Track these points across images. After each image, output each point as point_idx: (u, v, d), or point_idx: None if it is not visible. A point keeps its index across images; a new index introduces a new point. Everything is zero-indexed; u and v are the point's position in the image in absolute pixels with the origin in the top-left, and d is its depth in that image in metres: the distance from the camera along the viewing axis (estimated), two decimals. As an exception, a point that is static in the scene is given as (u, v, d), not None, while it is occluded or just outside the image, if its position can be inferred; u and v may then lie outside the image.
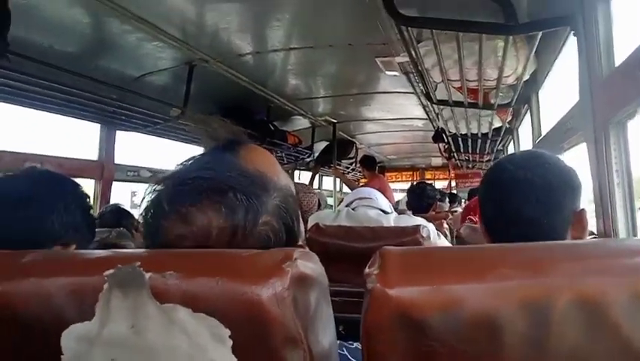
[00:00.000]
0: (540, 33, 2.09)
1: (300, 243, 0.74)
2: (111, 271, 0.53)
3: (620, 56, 1.60)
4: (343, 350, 0.87)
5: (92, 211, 1.21)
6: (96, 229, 1.29)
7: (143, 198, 0.69)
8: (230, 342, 0.51)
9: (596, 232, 1.69)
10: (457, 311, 0.50)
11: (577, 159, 2.05)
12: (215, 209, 0.63)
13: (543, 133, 3.16)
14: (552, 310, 0.49)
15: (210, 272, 0.52)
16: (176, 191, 0.65)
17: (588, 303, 0.49)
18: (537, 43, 2.20)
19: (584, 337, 0.49)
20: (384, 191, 4.38)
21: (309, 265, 0.55)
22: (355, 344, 0.91)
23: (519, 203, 0.97)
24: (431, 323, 0.50)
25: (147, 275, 0.52)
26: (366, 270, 0.55)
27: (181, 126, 3.29)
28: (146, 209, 0.67)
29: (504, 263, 0.53)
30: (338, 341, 0.87)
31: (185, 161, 0.72)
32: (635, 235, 1.51)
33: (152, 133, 3.52)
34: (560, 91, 2.75)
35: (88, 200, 1.20)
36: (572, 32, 1.92)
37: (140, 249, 0.64)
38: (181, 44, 2.56)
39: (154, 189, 0.67)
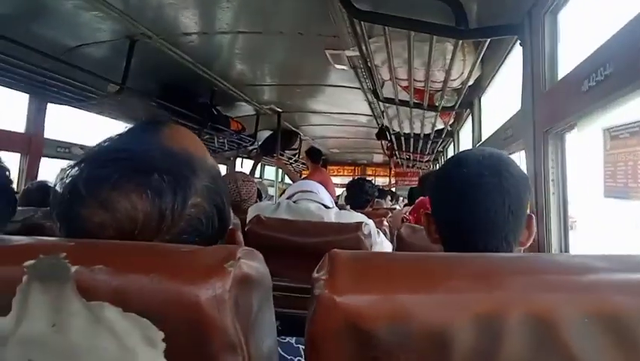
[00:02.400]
0: (488, 40, 2.13)
1: (231, 227, 0.70)
2: (32, 261, 0.47)
3: (563, 70, 1.65)
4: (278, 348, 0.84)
5: (10, 185, 1.10)
6: (19, 208, 1.18)
7: (55, 184, 0.61)
8: (164, 346, 0.46)
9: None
10: (406, 323, 0.48)
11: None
12: (140, 192, 0.57)
13: (483, 138, 3.25)
14: (503, 325, 0.48)
15: (145, 268, 0.47)
16: (93, 175, 0.59)
17: (539, 319, 0.48)
18: (484, 50, 2.25)
19: (533, 353, 0.48)
20: (327, 185, 4.38)
21: (253, 265, 0.51)
22: (287, 339, 0.88)
23: (486, 208, 0.94)
24: (379, 334, 0.48)
25: (73, 268, 0.47)
26: (315, 274, 0.52)
27: (119, 103, 3.13)
28: (61, 195, 0.60)
29: (456, 274, 0.52)
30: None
31: (103, 141, 0.65)
32: (566, 242, 1.58)
33: (86, 108, 3.34)
34: (502, 98, 2.84)
35: (6, 172, 1.09)
36: (519, 42, 1.98)
37: (67, 239, 0.57)
38: (122, 16, 2.41)
39: (67, 174, 0.60)
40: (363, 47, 2.50)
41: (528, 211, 0.99)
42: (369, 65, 2.73)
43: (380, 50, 2.52)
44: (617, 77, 1.17)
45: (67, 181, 0.60)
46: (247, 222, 1.79)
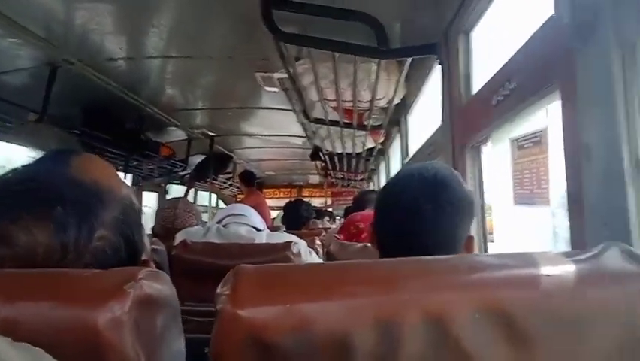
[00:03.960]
0: (409, 59, 2.22)
1: (144, 258, 0.68)
2: None
3: (477, 86, 1.74)
4: None
5: None
6: None
7: None
8: (60, 375, 0.44)
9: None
10: (307, 332, 0.49)
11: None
12: (41, 226, 0.55)
13: (410, 154, 3.35)
14: (400, 327, 0.49)
15: (37, 295, 0.46)
16: None
17: (434, 319, 0.50)
18: (406, 70, 2.34)
19: (430, 352, 0.50)
20: (261, 207, 4.36)
21: (156, 285, 0.50)
22: None
23: (421, 234, 0.95)
24: (282, 345, 0.48)
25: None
26: (218, 290, 0.52)
27: (39, 132, 2.98)
28: None
29: (355, 280, 0.53)
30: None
31: (5, 173, 0.62)
32: (485, 251, 1.64)
33: (4, 139, 3.16)
34: (426, 116, 2.95)
35: None
36: (438, 61, 2.07)
37: None
38: (44, 43, 2.32)
39: None
40: (291, 70, 2.53)
41: (469, 233, 1.00)
42: (297, 86, 2.76)
43: (308, 72, 2.57)
44: (520, 90, 1.25)
45: None
46: (173, 247, 1.75)
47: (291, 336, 0.48)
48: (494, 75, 1.47)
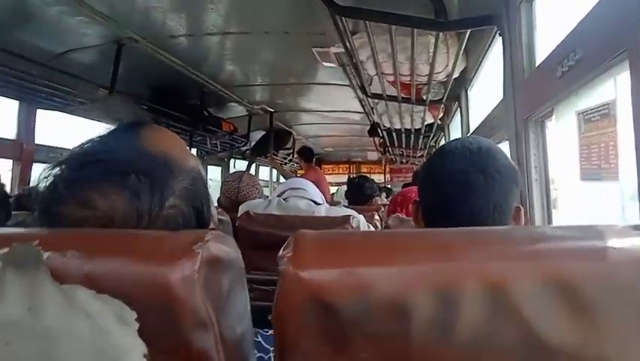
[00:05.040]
0: (468, 31, 2.16)
1: (211, 227, 0.71)
2: (5, 249, 0.49)
3: (541, 57, 1.67)
4: (258, 337, 0.86)
5: (3, 190, 1.12)
6: (13, 212, 1.20)
7: (37, 183, 0.63)
8: (137, 325, 0.48)
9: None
10: (366, 295, 0.50)
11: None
12: (117, 193, 0.59)
13: (471, 130, 3.27)
14: (459, 295, 0.50)
15: (116, 252, 0.50)
16: (74, 176, 0.61)
17: (493, 288, 0.50)
18: (466, 42, 2.28)
19: (487, 321, 0.50)
20: (320, 183, 4.39)
21: (223, 247, 0.53)
22: (270, 331, 0.89)
23: (470, 203, 0.94)
24: (342, 307, 0.50)
25: (45, 254, 0.49)
26: (280, 253, 0.54)
27: (109, 107, 3.14)
28: (42, 195, 0.62)
29: (415, 248, 0.54)
30: (253, 328, 0.86)
31: (83, 143, 0.67)
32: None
33: (76, 113, 3.34)
34: (488, 89, 2.86)
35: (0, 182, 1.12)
36: (498, 32, 2.00)
37: (42, 228, 0.59)
38: (108, 21, 2.42)
39: (49, 174, 0.62)
40: (347, 44, 2.52)
41: (517, 203, 0.99)
42: (354, 61, 2.75)
43: (364, 46, 2.55)
44: (586, 61, 1.19)
45: (49, 181, 0.62)
46: (237, 218, 1.81)
47: (351, 298, 0.50)
48: (558, 45, 1.41)
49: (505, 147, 2.24)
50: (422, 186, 1.08)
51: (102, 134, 0.70)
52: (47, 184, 0.62)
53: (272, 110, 4.90)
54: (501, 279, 0.51)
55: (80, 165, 0.61)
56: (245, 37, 2.86)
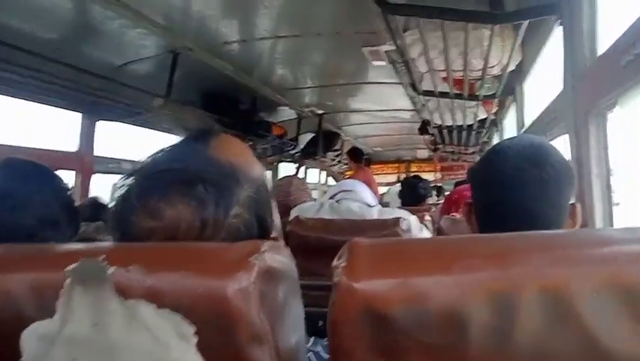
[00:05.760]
0: (526, 22, 2.08)
1: (273, 235, 0.72)
2: (73, 266, 0.50)
3: (603, 46, 1.59)
4: (317, 347, 0.85)
5: (73, 204, 1.17)
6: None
7: (112, 192, 0.66)
8: (195, 339, 0.49)
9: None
10: (423, 304, 0.49)
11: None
12: (184, 202, 0.61)
13: (526, 124, 3.17)
14: (517, 301, 0.48)
15: (174, 266, 0.51)
16: (144, 185, 0.64)
17: (553, 294, 0.48)
18: (523, 33, 2.20)
19: (548, 328, 0.48)
20: (370, 184, 4.37)
21: (278, 258, 0.53)
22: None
23: (525, 201, 0.94)
24: (397, 317, 0.49)
25: (110, 270, 0.50)
26: (334, 262, 0.53)
27: (164, 116, 3.23)
28: (115, 204, 0.65)
29: (471, 254, 0.52)
30: (312, 338, 0.85)
31: (155, 153, 0.69)
32: (611, 225, 1.52)
33: (134, 123, 3.46)
34: (545, 81, 2.76)
35: (69, 194, 1.16)
36: (558, 21, 1.92)
37: (107, 242, 0.61)
38: (165, 31, 2.51)
39: (123, 184, 0.65)
40: (398, 41, 2.49)
41: (573, 200, 0.97)
42: (405, 58, 2.71)
43: (416, 43, 2.51)
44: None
45: (122, 191, 0.65)
46: (288, 222, 1.82)
47: (406, 309, 0.49)
48: (623, 33, 1.33)
49: (560, 143, 2.16)
50: (475, 187, 1.07)
51: (172, 144, 0.73)
52: (120, 194, 0.65)
53: (321, 112, 4.91)
54: (562, 285, 0.48)
55: (150, 174, 0.64)
56: (296, 40, 2.89)
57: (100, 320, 0.50)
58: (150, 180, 0.63)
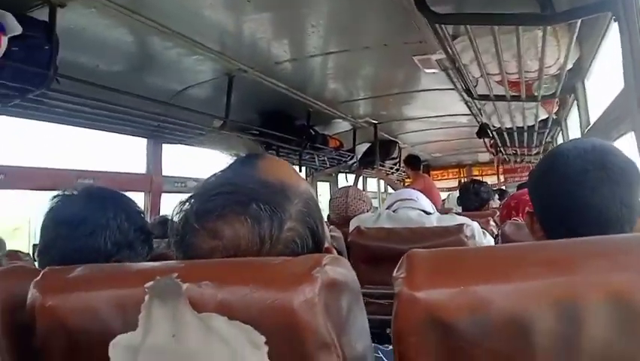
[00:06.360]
0: (579, 20, 2.02)
1: (326, 245, 0.75)
2: (151, 283, 0.56)
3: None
4: (378, 353, 0.87)
5: (146, 227, 1.25)
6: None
7: (171, 218, 0.72)
8: (266, 348, 0.52)
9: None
10: (485, 312, 0.50)
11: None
12: (241, 221, 0.65)
13: (591, 122, 3.05)
14: (582, 308, 0.48)
15: (243, 280, 0.54)
16: (201, 208, 0.68)
17: (618, 299, 0.48)
18: (577, 31, 2.13)
19: (616, 334, 0.48)
20: (429, 191, 4.32)
21: (339, 270, 0.56)
22: (390, 347, 0.90)
23: (595, 204, 0.90)
24: (460, 325, 0.50)
25: (184, 286, 0.55)
26: (394, 273, 0.56)
27: (224, 136, 3.35)
28: (176, 228, 0.70)
29: (530, 261, 0.53)
30: (373, 344, 0.88)
31: (208, 178, 0.74)
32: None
33: (196, 144, 3.60)
34: (608, 78, 2.65)
35: (141, 215, 1.25)
36: (613, 18, 1.85)
37: (179, 261, 0.67)
38: (220, 56, 2.63)
39: (181, 208, 0.71)
40: (449, 49, 2.47)
41: None
42: (457, 65, 2.69)
43: (467, 49, 2.48)
44: None
45: (181, 215, 0.70)
46: (349, 233, 1.85)
47: (468, 317, 0.50)
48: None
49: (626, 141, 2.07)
50: (536, 195, 1.04)
51: (224, 168, 0.78)
52: (180, 218, 0.70)
53: (376, 121, 4.91)
54: (624, 290, 0.48)
55: (207, 198, 0.69)
56: (345, 55, 2.93)
57: (178, 331, 0.54)
58: (207, 203, 0.68)
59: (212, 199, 0.68)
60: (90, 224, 1.09)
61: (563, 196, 0.94)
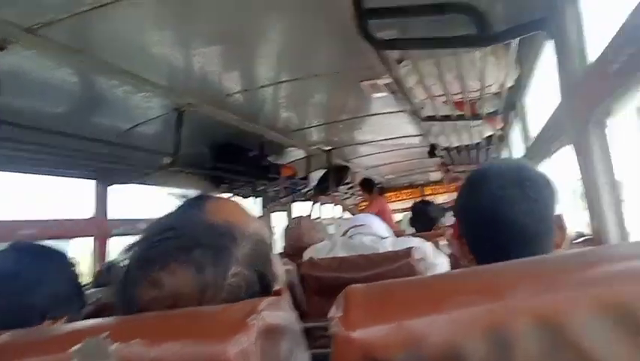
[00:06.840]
0: (517, 40, 2.11)
1: (276, 287, 0.73)
2: (77, 346, 0.52)
3: (593, 56, 1.62)
4: None
5: (79, 280, 1.21)
6: (92, 290, 1.27)
7: (115, 262, 0.70)
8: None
9: (590, 233, 1.68)
10: (419, 346, 0.49)
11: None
12: (183, 269, 0.63)
13: (532, 138, 3.18)
14: (512, 334, 0.48)
15: (175, 336, 0.52)
16: (143, 256, 0.66)
17: (547, 322, 0.48)
18: (515, 51, 2.23)
19: (546, 357, 0.48)
20: (384, 213, 4.34)
21: (278, 314, 0.55)
22: None
23: (513, 220, 0.95)
24: None
25: (113, 346, 0.51)
26: (330, 313, 0.54)
27: (175, 173, 3.29)
28: (118, 277, 0.68)
29: (461, 289, 0.53)
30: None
31: (152, 222, 0.72)
32: (624, 233, 1.49)
33: (145, 183, 3.52)
34: (545, 94, 2.78)
35: (75, 270, 1.21)
36: (548, 36, 1.95)
37: (110, 317, 0.63)
38: (168, 92, 2.59)
39: (125, 257, 0.68)
40: (394, 73, 2.54)
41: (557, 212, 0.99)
42: (403, 88, 2.76)
43: (411, 73, 2.56)
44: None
45: (124, 262, 0.68)
46: (302, 265, 1.83)
47: (404, 353, 0.49)
48: (610, 41, 1.36)
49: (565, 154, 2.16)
50: (463, 216, 1.08)
51: (171, 210, 0.76)
52: (123, 265, 0.68)
53: (329, 148, 4.95)
54: (555, 312, 0.49)
55: (149, 244, 0.67)
56: (297, 84, 2.94)
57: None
58: (148, 251, 0.66)
59: (154, 245, 0.66)
60: (21, 280, 1.04)
61: (487, 210, 0.98)
